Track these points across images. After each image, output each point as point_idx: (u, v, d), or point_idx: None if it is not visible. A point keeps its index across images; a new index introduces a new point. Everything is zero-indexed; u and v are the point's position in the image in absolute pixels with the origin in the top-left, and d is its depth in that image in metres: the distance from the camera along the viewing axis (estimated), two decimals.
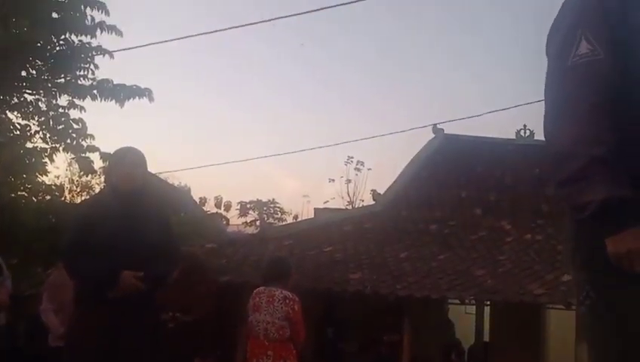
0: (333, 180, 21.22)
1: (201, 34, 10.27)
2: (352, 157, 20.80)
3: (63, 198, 13.59)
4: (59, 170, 17.64)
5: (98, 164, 10.29)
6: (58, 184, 14.15)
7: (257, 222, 21.20)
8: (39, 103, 9.98)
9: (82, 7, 8.98)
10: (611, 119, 1.63)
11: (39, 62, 9.53)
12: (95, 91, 9.46)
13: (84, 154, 10.05)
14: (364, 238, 10.94)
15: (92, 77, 9.54)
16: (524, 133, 14.23)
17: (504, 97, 41.96)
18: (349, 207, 19.44)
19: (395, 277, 9.45)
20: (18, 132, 9.94)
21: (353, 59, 44.44)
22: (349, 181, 20.96)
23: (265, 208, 21.79)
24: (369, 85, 43.52)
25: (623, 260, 1.60)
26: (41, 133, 10.12)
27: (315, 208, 17.65)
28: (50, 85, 9.73)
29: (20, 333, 8.04)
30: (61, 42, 9.35)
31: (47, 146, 10.05)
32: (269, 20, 9.74)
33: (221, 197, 20.21)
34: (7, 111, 9.87)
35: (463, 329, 12.39)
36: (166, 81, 37.69)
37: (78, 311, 3.60)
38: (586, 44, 1.69)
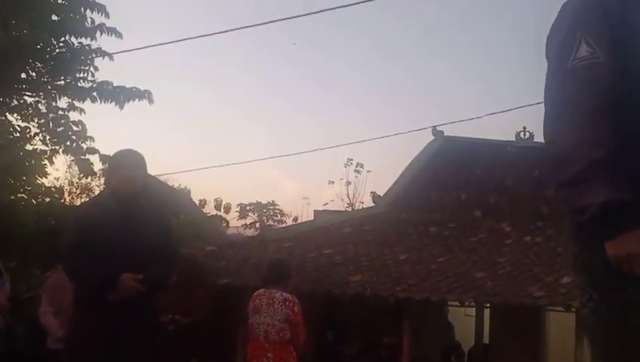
0: (333, 182, 21.18)
1: (201, 36, 10.34)
2: (352, 160, 20.77)
3: (62, 201, 13.55)
4: (58, 172, 17.56)
5: (98, 166, 10.29)
6: (58, 186, 14.15)
7: (257, 225, 21.14)
8: (39, 105, 9.98)
9: (82, 9, 8.98)
10: (611, 122, 1.63)
11: (39, 65, 9.53)
12: (95, 93, 9.45)
13: (83, 157, 10.02)
14: (364, 240, 10.94)
15: (92, 79, 9.54)
16: (524, 135, 14.23)
17: (504, 99, 41.95)
18: (349, 209, 19.41)
19: (395, 280, 9.45)
20: (18, 134, 9.92)
21: (353, 61, 44.56)
22: (348, 183, 20.93)
23: (264, 210, 21.72)
24: (369, 87, 43.60)
25: (623, 263, 1.60)
26: (40, 135, 10.10)
27: (314, 210, 17.68)
28: (49, 87, 9.71)
29: (19, 336, 8.02)
30: (61, 44, 9.34)
31: (46, 148, 10.03)
32: (267, 23, 9.74)
33: (221, 200, 20.16)
34: (6, 114, 9.86)
35: (463, 331, 12.39)
36: (166, 83, 37.71)
37: (78, 313, 3.60)
38: (586, 47, 1.69)
